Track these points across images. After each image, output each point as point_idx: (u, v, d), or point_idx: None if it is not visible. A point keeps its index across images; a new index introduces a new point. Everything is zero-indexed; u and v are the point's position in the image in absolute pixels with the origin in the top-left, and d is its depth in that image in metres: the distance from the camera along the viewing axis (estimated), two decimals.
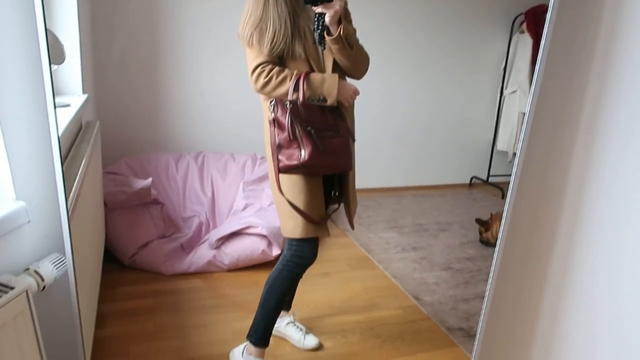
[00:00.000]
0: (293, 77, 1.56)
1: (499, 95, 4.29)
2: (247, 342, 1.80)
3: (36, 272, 0.99)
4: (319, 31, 1.58)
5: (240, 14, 1.64)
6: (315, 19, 1.56)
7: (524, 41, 3.99)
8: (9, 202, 0.97)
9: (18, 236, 1.00)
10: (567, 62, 1.12)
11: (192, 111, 3.50)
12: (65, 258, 1.04)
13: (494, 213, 3.27)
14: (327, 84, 1.59)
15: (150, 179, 2.70)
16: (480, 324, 1.35)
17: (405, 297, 2.51)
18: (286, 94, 1.56)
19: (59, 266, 1.03)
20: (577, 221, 1.11)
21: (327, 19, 1.53)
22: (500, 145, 4.32)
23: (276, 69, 1.58)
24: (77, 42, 2.36)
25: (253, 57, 1.59)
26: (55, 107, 0.91)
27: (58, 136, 0.93)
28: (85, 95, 2.40)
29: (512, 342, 1.32)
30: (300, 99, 1.54)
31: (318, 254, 1.74)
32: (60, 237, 1.06)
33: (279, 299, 1.74)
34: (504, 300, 1.33)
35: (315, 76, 1.58)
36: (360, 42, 1.70)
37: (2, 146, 0.94)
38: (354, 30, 1.67)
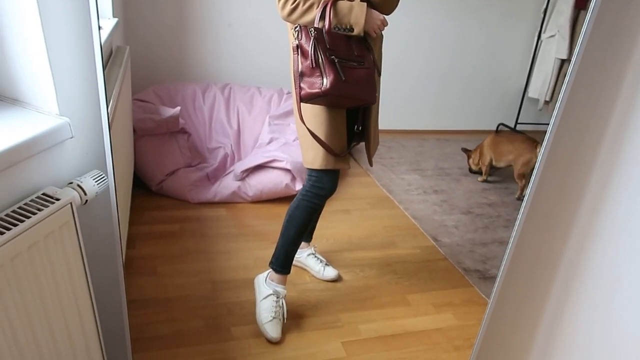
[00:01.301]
0: (320, 4, 1.52)
1: (535, 38, 4.10)
2: (270, 270, 1.87)
3: (79, 186, 1.03)
4: None
5: None
6: None
7: None
8: (53, 117, 0.99)
9: (61, 151, 1.03)
10: (619, 10, 1.07)
11: (220, 41, 3.45)
12: (105, 175, 1.08)
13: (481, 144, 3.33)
14: (355, 12, 1.54)
15: (178, 108, 2.72)
16: (502, 266, 1.38)
17: (424, 237, 2.56)
18: (312, 21, 1.53)
19: (100, 182, 1.07)
20: (611, 175, 1.10)
21: None
22: (532, 92, 4.19)
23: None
24: None
25: None
26: (98, 23, 0.91)
27: (102, 53, 0.94)
28: (115, 19, 2.37)
29: (530, 287, 1.35)
30: (327, 27, 1.50)
31: (339, 190, 1.76)
32: (99, 154, 1.09)
33: (298, 228, 1.79)
34: (526, 246, 1.35)
35: (343, 4, 1.53)
36: None
37: (47, 62, 0.96)
38: None
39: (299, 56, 1.52)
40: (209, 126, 3.10)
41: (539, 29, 4.06)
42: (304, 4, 1.53)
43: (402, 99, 4.09)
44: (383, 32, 1.68)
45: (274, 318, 1.78)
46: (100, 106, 0.98)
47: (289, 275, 1.89)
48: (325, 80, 1.49)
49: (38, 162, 0.98)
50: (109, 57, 2.21)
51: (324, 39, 1.50)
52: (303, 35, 1.51)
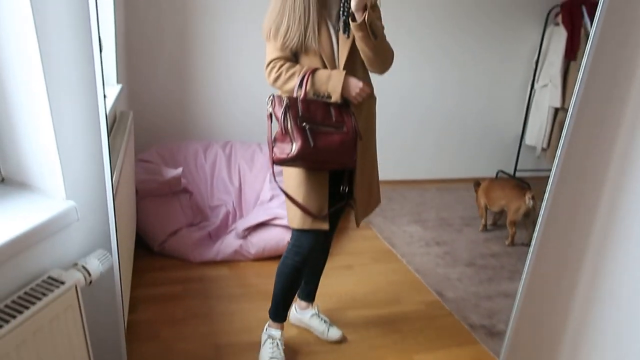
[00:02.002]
0: (301, 73, 1.60)
1: (529, 88, 4.21)
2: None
3: (84, 267, 1.04)
4: (344, 18, 1.58)
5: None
6: (342, 5, 1.57)
7: (558, 34, 3.90)
8: (60, 202, 1.02)
9: (67, 233, 1.05)
10: (613, 60, 1.11)
11: (221, 101, 3.55)
12: (109, 254, 1.10)
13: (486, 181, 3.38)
14: (332, 81, 1.61)
15: (180, 169, 2.77)
16: (511, 323, 1.37)
17: (428, 292, 2.53)
18: (293, 89, 1.61)
19: (104, 262, 1.08)
20: (611, 225, 1.11)
21: (352, 4, 1.52)
22: (529, 140, 4.26)
23: (287, 64, 1.64)
24: (112, 31, 2.41)
25: (269, 51, 1.67)
26: (107, 124, 0.95)
27: (108, 142, 0.97)
28: (120, 86, 2.46)
29: (539, 343, 1.34)
30: (301, 95, 1.58)
31: (341, 245, 1.78)
32: (104, 232, 1.11)
33: (283, 284, 1.86)
34: (533, 301, 1.35)
35: (322, 73, 1.61)
36: (388, 27, 1.69)
37: (55, 149, 0.99)
38: (382, 27, 1.66)
39: (272, 122, 1.60)
40: (210, 184, 3.14)
41: (531, 78, 4.17)
42: (286, 72, 1.62)
43: (401, 148, 4.15)
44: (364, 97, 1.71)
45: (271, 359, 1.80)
46: (107, 191, 1.01)
47: (294, 337, 1.88)
48: (293, 146, 1.54)
49: (45, 246, 1.00)
50: (113, 123, 2.27)
51: (297, 107, 1.57)
52: (276, 104, 1.58)
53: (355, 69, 1.67)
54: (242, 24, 3.41)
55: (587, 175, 1.17)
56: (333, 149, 1.59)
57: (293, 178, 1.71)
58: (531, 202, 3.05)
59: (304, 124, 1.55)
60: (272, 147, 1.60)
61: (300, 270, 1.85)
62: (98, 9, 0.93)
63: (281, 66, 1.63)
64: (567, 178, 1.22)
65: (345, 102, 1.65)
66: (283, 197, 2.96)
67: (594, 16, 3.91)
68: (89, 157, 1.06)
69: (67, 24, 0.98)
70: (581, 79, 1.11)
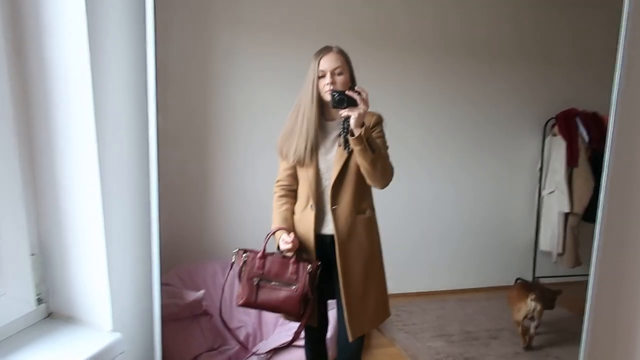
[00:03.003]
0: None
1: (537, 195, 4.31)
2: None
3: None
4: (344, 134, 1.76)
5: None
6: (342, 123, 1.76)
7: (558, 143, 4.09)
8: (107, 334, 1.03)
9: None
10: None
11: (238, 219, 3.63)
12: None
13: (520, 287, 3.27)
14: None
15: (202, 292, 2.76)
16: None
17: None
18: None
19: None
20: None
21: (351, 121, 1.69)
22: (543, 245, 4.25)
23: (277, 195, 2.03)
24: None
25: (279, 169, 2.06)
26: (160, 255, 1.00)
27: (160, 275, 1.01)
28: None
29: None
30: (260, 253, 1.86)
31: None
32: None
33: None
34: None
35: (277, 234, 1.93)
36: (395, 144, 1.90)
37: (107, 283, 1.03)
38: (384, 145, 1.87)
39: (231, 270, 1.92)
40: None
41: (538, 186, 4.29)
42: (275, 202, 2.05)
43: (418, 261, 4.13)
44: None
45: None
46: (155, 323, 1.02)
47: None
48: (241, 296, 1.85)
49: None
50: None
51: (254, 262, 1.85)
52: (238, 258, 1.90)
53: (345, 180, 1.87)
54: (257, 143, 3.60)
55: (624, 288, 1.18)
56: (274, 304, 1.84)
57: None
58: (533, 304, 3.01)
59: (254, 278, 1.83)
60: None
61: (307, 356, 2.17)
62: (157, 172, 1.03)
63: (276, 193, 2.04)
64: (604, 285, 1.23)
65: (304, 258, 1.88)
66: None
67: (588, 127, 4.06)
68: (136, 289, 1.09)
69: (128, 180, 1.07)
70: (604, 193, 1.18)
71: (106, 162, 0.99)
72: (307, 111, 1.86)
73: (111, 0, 1.02)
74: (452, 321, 3.61)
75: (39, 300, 1.03)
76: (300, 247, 1.97)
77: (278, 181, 2.05)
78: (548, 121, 4.22)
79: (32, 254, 1.01)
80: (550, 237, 4.19)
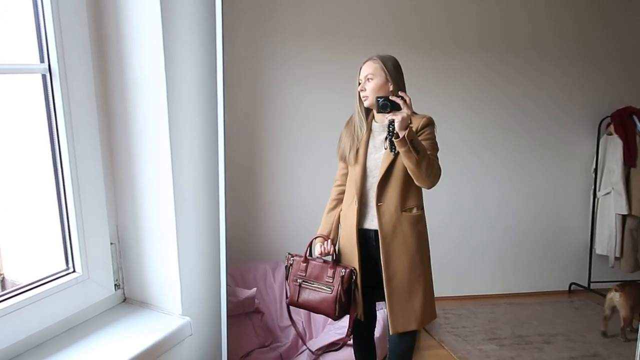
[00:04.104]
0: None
1: (591, 196, 4.17)
2: None
3: None
4: (390, 137, 1.81)
5: (339, 130, 2.09)
6: (388, 127, 1.82)
7: (614, 143, 3.96)
8: (177, 318, 1.12)
9: (181, 347, 1.14)
10: None
11: (286, 220, 3.72)
12: None
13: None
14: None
15: (254, 289, 2.85)
16: None
17: None
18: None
19: None
20: None
21: (396, 124, 1.76)
22: (599, 249, 4.11)
23: (330, 198, 2.20)
24: None
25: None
26: (226, 248, 1.08)
27: (226, 262, 1.09)
28: None
29: None
30: (302, 258, 2.03)
31: None
32: (212, 346, 1.19)
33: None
34: None
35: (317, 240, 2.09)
36: (440, 146, 1.96)
37: (177, 271, 1.12)
38: (434, 147, 1.94)
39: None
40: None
41: (592, 187, 4.15)
42: (327, 206, 2.22)
43: (467, 263, 4.09)
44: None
45: None
46: (221, 306, 1.11)
47: None
48: (288, 294, 2.05)
49: None
50: None
51: (298, 266, 2.02)
52: (291, 257, 2.09)
53: (391, 179, 1.94)
54: (305, 147, 3.69)
55: None
56: (313, 305, 1.99)
57: None
58: (616, 294, 3.08)
59: (298, 280, 2.00)
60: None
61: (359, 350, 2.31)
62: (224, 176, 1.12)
63: (330, 198, 2.20)
64: None
65: (337, 258, 2.06)
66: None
67: None
68: (204, 278, 1.17)
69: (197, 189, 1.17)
70: None
71: (178, 161, 1.09)
72: (355, 114, 2.04)
73: (183, 11, 1.12)
74: (503, 325, 3.55)
75: (116, 286, 1.14)
76: (343, 247, 2.09)
77: (335, 181, 2.19)
78: (602, 120, 4.09)
79: (111, 243, 1.12)
80: (607, 240, 4.05)
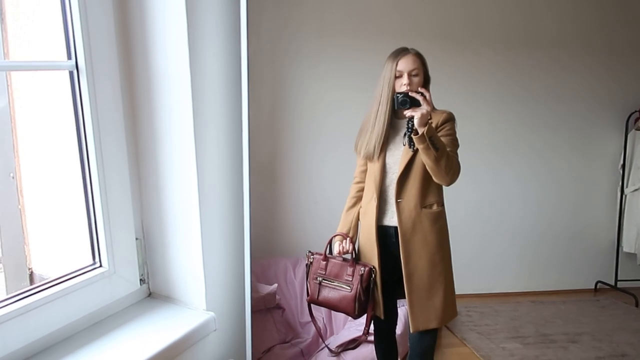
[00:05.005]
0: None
1: (619, 193, 4.07)
2: None
3: None
4: (409, 133, 1.81)
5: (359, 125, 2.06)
6: (407, 123, 1.82)
7: None
8: (201, 312, 1.12)
9: (205, 342, 1.14)
10: None
11: (307, 217, 3.72)
12: None
13: None
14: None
15: (275, 285, 2.86)
16: None
17: None
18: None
19: None
20: None
21: (415, 121, 1.73)
22: (627, 247, 4.01)
23: (349, 196, 2.16)
24: None
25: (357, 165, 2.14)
26: (250, 244, 1.08)
27: (250, 260, 1.10)
28: None
29: None
30: (322, 256, 2.02)
31: None
32: (235, 343, 1.19)
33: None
34: None
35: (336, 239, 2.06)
36: (462, 144, 1.94)
37: (201, 266, 1.13)
38: (454, 143, 1.91)
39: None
40: (300, 300, 3.18)
41: (620, 183, 4.05)
42: (346, 204, 2.19)
43: (490, 261, 4.03)
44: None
45: None
46: (245, 301, 1.11)
47: None
48: (309, 292, 2.03)
49: (186, 356, 1.08)
50: None
51: (318, 264, 2.02)
52: (311, 255, 2.09)
53: (410, 175, 1.91)
54: (324, 144, 3.68)
55: None
56: (332, 303, 1.98)
57: None
58: None
59: (318, 278, 2.00)
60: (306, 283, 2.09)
61: (379, 348, 2.30)
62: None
63: (349, 196, 2.17)
64: None
65: (356, 257, 2.02)
66: None
67: None
68: (228, 274, 1.18)
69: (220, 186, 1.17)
70: None
71: (202, 157, 1.10)
72: (381, 109, 1.94)
73: (208, 8, 1.13)
74: (526, 323, 3.49)
75: (142, 281, 1.15)
76: (363, 245, 2.07)
77: (354, 178, 2.17)
78: (631, 115, 3.98)
79: (137, 239, 1.13)
80: (636, 237, 3.94)
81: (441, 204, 2.01)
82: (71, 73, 1.23)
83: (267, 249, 3.68)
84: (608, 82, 4.02)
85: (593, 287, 4.23)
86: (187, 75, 1.10)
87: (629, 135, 3.98)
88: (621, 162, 4.03)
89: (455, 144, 1.92)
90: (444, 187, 1.99)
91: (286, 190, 3.70)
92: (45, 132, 1.29)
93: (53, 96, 1.27)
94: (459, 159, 1.92)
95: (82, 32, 1.11)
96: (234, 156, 1.20)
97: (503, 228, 4.04)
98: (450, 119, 1.92)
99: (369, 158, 2.00)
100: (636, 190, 3.91)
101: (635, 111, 3.94)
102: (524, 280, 4.14)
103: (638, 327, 3.30)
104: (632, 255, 4.14)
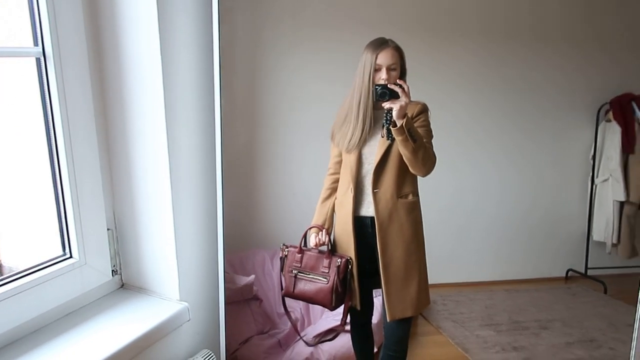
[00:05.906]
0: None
1: (589, 183, 4.18)
2: None
3: None
4: (387, 125, 1.82)
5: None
6: (385, 115, 1.83)
7: (612, 129, 3.95)
8: (174, 303, 1.12)
9: (179, 332, 1.14)
10: None
11: (285, 209, 3.72)
12: (213, 354, 1.16)
13: None
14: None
15: (253, 276, 2.86)
16: None
17: None
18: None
19: None
20: None
21: (394, 113, 1.75)
22: (597, 236, 4.12)
23: (324, 187, 2.19)
24: None
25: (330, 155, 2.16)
26: (223, 234, 1.08)
27: (224, 249, 1.09)
28: None
29: None
30: (297, 248, 2.02)
31: (411, 352, 1.94)
32: (209, 333, 1.19)
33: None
34: None
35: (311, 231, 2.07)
36: (440, 133, 1.97)
37: (174, 257, 1.12)
38: (429, 134, 1.93)
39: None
40: (278, 291, 3.18)
41: (590, 174, 4.15)
42: (321, 195, 2.21)
43: (467, 250, 4.09)
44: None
45: None
46: (219, 290, 1.10)
47: None
48: (283, 285, 2.05)
49: (160, 346, 1.08)
50: None
51: (293, 257, 2.02)
52: (282, 252, 2.08)
53: (387, 165, 1.92)
54: (303, 135, 3.67)
55: None
56: (308, 295, 1.99)
57: None
58: None
59: (293, 271, 2.00)
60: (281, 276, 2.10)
61: (356, 339, 2.35)
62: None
63: (324, 187, 2.19)
64: None
65: (332, 249, 2.02)
66: None
67: None
68: (201, 264, 1.17)
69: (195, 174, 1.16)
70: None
71: (175, 146, 1.09)
72: (362, 101, 1.91)
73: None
74: (500, 311, 3.57)
75: (114, 272, 1.14)
76: (339, 236, 2.08)
77: (328, 169, 2.19)
78: (601, 107, 4.07)
79: (108, 229, 1.12)
80: (605, 226, 4.06)
81: (416, 194, 2.03)
82: (38, 60, 1.20)
83: (245, 240, 3.66)
84: (582, 73, 4.10)
85: (564, 275, 4.34)
86: (159, 62, 1.08)
87: (599, 127, 4.08)
88: (592, 152, 4.13)
89: (430, 134, 1.95)
90: (420, 177, 2.02)
91: (264, 181, 3.68)
92: (10, 121, 1.25)
93: (18, 84, 1.24)
94: (434, 150, 1.95)
95: (49, 17, 1.08)
96: (207, 146, 1.19)
97: (480, 218, 4.10)
98: (424, 110, 1.94)
99: (348, 150, 2.00)
100: (605, 180, 4.02)
101: (606, 103, 4.04)
102: (499, 269, 4.22)
103: (607, 314, 3.41)
104: (601, 244, 4.26)
